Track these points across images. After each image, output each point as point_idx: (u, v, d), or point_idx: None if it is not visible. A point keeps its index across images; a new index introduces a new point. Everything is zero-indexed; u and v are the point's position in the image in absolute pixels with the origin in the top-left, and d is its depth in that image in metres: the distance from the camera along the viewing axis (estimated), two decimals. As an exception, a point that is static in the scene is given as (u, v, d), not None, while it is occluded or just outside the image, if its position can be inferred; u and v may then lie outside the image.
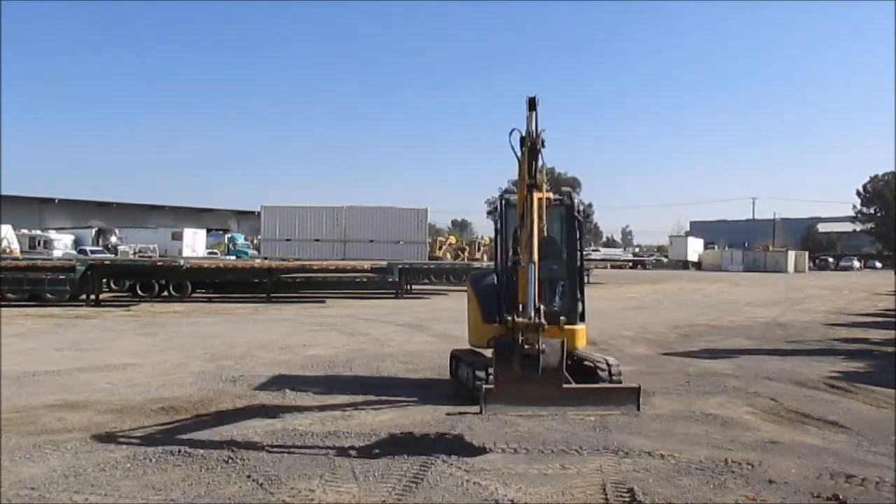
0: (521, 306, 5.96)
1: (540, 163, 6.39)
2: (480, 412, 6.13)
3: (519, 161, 6.50)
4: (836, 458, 5.77)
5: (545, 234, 6.41)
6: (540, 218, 6.32)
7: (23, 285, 21.80)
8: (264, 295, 24.43)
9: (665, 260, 77.60)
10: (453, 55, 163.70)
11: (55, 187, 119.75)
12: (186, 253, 44.84)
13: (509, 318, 6.05)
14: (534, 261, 6.08)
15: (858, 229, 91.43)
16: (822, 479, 5.23)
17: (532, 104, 6.41)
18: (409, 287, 28.09)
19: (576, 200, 8.26)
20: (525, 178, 6.38)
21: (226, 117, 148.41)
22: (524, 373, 5.77)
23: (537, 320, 5.75)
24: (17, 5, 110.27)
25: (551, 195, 7.76)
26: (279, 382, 9.02)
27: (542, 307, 5.90)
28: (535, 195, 6.33)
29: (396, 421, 6.93)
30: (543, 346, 5.75)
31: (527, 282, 6.06)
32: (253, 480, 5.08)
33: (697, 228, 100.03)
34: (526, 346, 5.72)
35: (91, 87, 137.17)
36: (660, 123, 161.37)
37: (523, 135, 6.42)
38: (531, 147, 6.34)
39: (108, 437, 6.24)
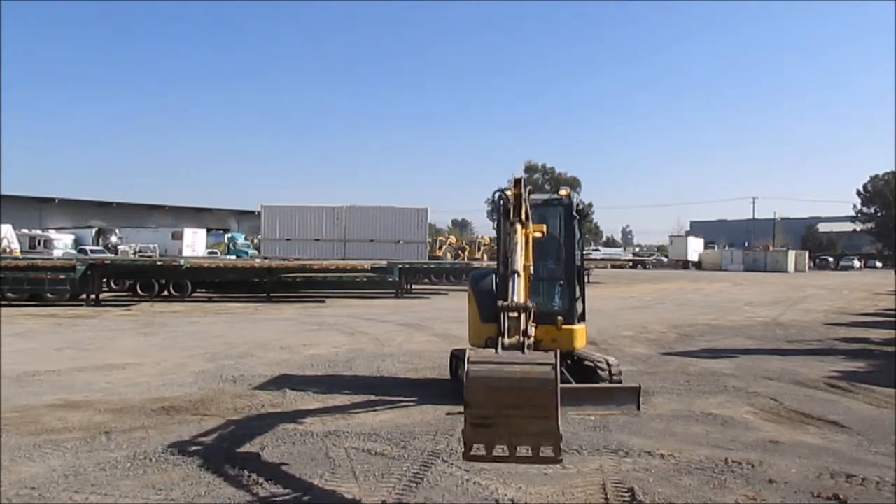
0: (500, 302, 5.09)
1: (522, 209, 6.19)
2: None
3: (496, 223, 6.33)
4: (836, 458, 5.77)
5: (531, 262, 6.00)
6: (526, 245, 5.92)
7: (23, 285, 21.83)
8: (264, 295, 24.44)
9: (665, 260, 77.56)
10: (454, 55, 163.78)
11: (55, 187, 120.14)
12: (186, 252, 44.78)
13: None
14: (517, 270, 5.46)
15: (858, 229, 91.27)
16: (822, 479, 5.24)
17: (518, 183, 6.28)
18: (409, 287, 28.12)
19: (575, 200, 8.26)
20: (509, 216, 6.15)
21: (226, 117, 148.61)
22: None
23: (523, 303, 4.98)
24: (18, 5, 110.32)
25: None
26: (279, 382, 9.02)
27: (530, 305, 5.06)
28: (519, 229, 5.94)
29: (396, 421, 6.93)
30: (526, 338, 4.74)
31: (509, 289, 5.29)
32: (253, 480, 5.08)
33: (697, 228, 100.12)
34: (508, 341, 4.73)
35: (91, 87, 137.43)
36: (660, 123, 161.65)
37: (501, 199, 6.35)
38: (511, 209, 6.17)
39: (109, 437, 6.25)
